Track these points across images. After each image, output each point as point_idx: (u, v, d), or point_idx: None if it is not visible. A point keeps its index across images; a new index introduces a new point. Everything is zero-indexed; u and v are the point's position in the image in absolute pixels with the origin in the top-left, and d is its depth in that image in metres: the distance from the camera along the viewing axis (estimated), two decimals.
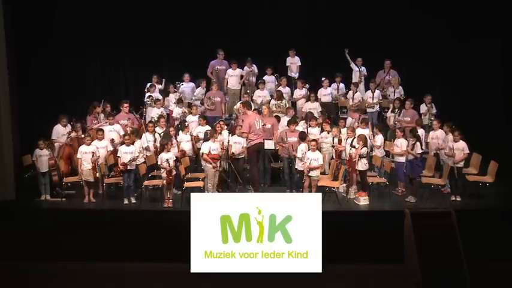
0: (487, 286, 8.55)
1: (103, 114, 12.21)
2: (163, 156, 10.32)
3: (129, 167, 10.51)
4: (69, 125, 11.63)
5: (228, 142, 11.16)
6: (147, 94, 13.21)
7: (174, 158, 10.46)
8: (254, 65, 13.81)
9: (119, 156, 10.60)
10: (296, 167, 10.80)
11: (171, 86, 13.44)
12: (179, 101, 12.84)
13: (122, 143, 10.86)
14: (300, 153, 10.56)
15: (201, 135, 11.37)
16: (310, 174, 10.36)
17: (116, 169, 10.92)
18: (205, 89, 13.56)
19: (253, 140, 11.06)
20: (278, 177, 11.65)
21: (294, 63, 14.08)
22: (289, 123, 11.37)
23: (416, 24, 13.74)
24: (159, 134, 11.40)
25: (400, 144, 10.65)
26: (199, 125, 11.80)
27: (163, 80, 13.72)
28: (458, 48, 13.40)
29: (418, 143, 10.48)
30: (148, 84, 13.40)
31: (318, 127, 11.72)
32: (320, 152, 10.76)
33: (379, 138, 11.18)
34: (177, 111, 12.67)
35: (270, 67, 13.88)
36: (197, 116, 12.20)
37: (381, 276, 9.01)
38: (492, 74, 12.97)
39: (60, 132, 11.47)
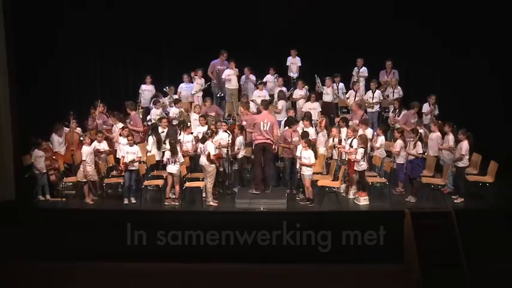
0: (487, 286, 8.54)
1: (106, 114, 12.30)
2: (167, 155, 10.38)
3: (131, 168, 10.52)
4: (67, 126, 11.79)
5: (228, 142, 11.14)
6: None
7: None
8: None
9: (122, 156, 10.61)
10: (297, 167, 10.78)
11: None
12: (176, 101, 12.85)
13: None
14: (299, 152, 10.56)
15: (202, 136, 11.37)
16: (302, 172, 10.41)
17: (119, 167, 10.87)
18: (202, 78, 13.59)
19: (258, 139, 10.94)
20: (278, 178, 11.62)
21: (294, 63, 14.07)
22: (291, 123, 11.26)
23: (416, 25, 13.75)
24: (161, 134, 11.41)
25: (398, 145, 10.65)
26: (200, 125, 11.80)
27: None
28: (458, 49, 13.41)
29: (419, 142, 10.47)
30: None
31: (319, 127, 11.71)
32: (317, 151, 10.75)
33: (381, 140, 11.16)
34: (173, 111, 12.69)
35: (272, 67, 13.87)
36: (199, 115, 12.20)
37: (381, 276, 9.01)
38: (492, 74, 12.96)
39: (57, 141, 11.57)
